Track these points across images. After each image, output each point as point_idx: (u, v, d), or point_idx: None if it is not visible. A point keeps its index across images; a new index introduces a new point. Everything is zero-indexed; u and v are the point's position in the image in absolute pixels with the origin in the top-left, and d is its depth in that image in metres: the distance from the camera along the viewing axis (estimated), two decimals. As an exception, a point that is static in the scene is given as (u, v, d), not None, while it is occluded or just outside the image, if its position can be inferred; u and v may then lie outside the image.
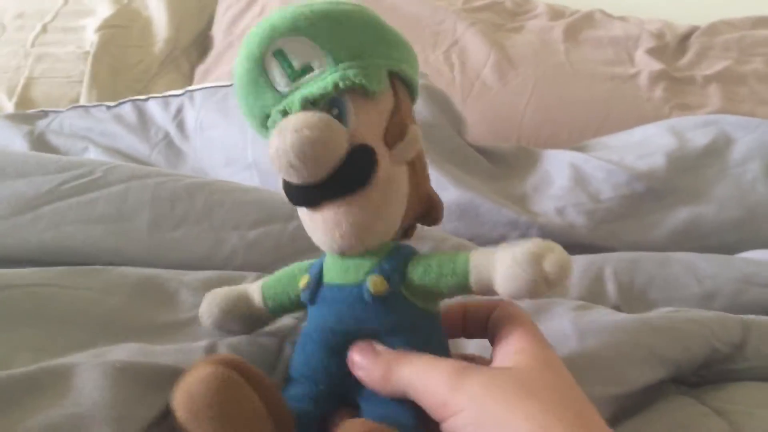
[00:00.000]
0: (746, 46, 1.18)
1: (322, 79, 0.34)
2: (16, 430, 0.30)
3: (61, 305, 0.46)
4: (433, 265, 0.35)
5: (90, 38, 1.17)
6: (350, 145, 0.33)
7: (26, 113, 0.95)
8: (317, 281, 0.37)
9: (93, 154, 0.86)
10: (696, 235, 0.76)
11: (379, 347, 0.35)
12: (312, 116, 0.32)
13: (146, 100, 0.94)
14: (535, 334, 0.35)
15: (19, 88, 1.10)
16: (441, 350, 0.36)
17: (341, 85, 0.34)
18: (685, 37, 1.20)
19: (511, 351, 0.34)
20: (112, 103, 0.94)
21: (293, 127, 0.32)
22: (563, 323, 0.48)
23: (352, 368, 0.35)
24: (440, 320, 0.38)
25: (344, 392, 0.36)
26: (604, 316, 0.52)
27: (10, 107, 1.07)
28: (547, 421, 0.29)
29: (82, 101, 1.09)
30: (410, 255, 0.36)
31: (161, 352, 0.40)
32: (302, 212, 0.37)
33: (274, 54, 0.34)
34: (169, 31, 1.24)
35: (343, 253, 0.36)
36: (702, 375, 0.49)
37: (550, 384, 0.31)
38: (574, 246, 0.73)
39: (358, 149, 0.34)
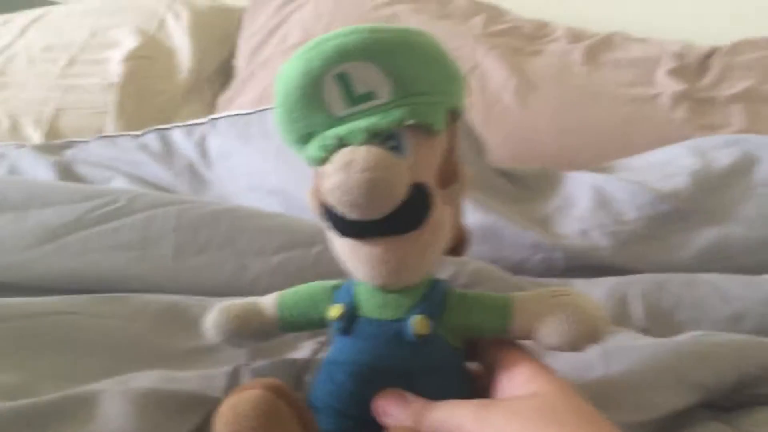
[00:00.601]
0: (769, 65, 1.17)
1: (386, 111, 0.32)
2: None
3: (86, 333, 0.46)
4: (474, 308, 0.36)
5: (115, 69, 1.19)
6: (409, 185, 0.32)
7: (53, 143, 0.97)
8: (352, 312, 0.36)
9: (119, 183, 0.87)
10: (723, 255, 0.74)
11: (410, 396, 0.34)
12: (379, 155, 0.31)
13: (170, 128, 0.95)
14: (540, 362, 0.35)
15: (47, 120, 1.12)
16: (466, 386, 0.37)
17: (410, 121, 0.32)
18: (707, 57, 1.19)
19: (522, 380, 0.34)
20: (137, 133, 0.95)
21: (362, 166, 0.30)
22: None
23: (380, 416, 0.34)
24: (464, 354, 0.38)
25: (371, 422, 0.35)
26: (630, 340, 0.51)
27: (37, 138, 1.09)
28: None
29: (109, 131, 1.11)
30: (447, 292, 0.37)
31: (184, 379, 0.40)
32: (342, 242, 0.35)
33: (336, 75, 0.32)
34: (192, 62, 1.26)
35: (383, 287, 0.36)
36: (733, 399, 0.48)
37: (571, 408, 0.31)
38: (599, 268, 0.72)
39: (417, 190, 0.33)
